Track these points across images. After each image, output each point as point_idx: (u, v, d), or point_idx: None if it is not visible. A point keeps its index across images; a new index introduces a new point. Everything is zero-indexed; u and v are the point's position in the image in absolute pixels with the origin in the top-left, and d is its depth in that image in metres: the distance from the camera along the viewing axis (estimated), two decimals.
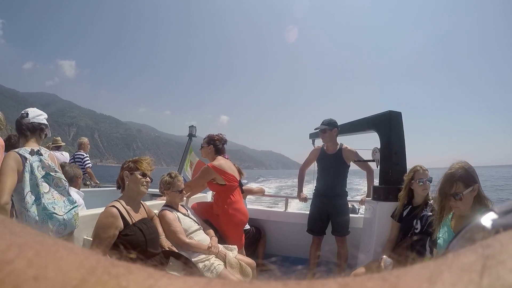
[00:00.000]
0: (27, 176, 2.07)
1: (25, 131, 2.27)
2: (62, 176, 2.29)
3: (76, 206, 2.28)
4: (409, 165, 3.07)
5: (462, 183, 1.86)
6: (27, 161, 2.10)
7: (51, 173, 2.20)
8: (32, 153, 2.16)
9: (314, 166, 3.74)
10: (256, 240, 3.89)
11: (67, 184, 2.30)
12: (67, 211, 2.18)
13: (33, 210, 2.04)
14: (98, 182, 5.89)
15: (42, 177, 2.13)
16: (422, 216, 2.68)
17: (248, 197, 4.37)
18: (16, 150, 2.13)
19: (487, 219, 0.28)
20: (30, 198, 2.05)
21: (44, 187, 2.13)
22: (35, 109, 2.36)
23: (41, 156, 2.19)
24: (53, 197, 2.15)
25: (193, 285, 0.20)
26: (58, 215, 2.10)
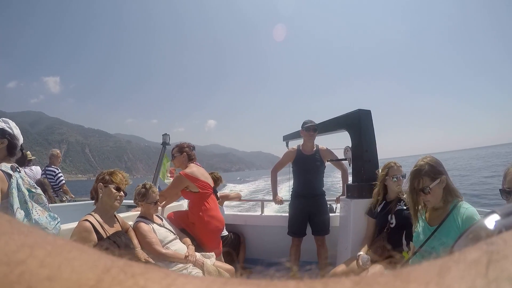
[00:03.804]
0: (14, 192, 1.98)
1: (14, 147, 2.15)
2: (42, 193, 2.21)
3: (59, 221, 2.22)
4: (383, 158, 3.16)
5: (428, 177, 1.94)
6: (13, 178, 2.01)
7: (32, 189, 2.13)
8: (13, 169, 2.06)
9: (289, 168, 3.76)
10: (235, 245, 3.86)
11: (46, 201, 2.23)
12: (52, 226, 2.12)
13: None
14: (74, 196, 5.74)
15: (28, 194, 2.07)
16: (396, 210, 2.74)
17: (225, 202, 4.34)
18: None
19: (490, 221, 0.30)
20: (20, 214, 1.97)
21: (30, 203, 2.07)
22: (11, 121, 2.21)
23: (20, 173, 2.10)
24: (37, 213, 2.08)
25: (211, 283, 0.20)
26: (48, 230, 2.05)
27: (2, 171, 2.00)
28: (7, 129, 2.12)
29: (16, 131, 2.17)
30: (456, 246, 0.31)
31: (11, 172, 2.03)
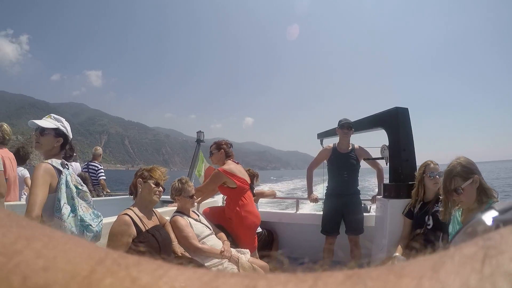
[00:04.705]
0: (63, 188, 2.07)
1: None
2: (87, 190, 2.29)
3: (102, 219, 2.29)
4: (419, 162, 3.06)
5: (460, 177, 1.90)
6: (62, 174, 2.10)
7: (78, 186, 2.21)
8: (63, 165, 2.16)
9: (324, 166, 3.75)
10: (268, 243, 3.89)
11: (91, 198, 2.31)
12: (96, 224, 2.20)
13: (69, 221, 2.02)
14: (109, 191, 5.97)
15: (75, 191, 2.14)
16: (434, 211, 2.66)
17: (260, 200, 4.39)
18: (49, 161, 2.10)
19: (488, 216, 0.30)
20: (66, 209, 2.04)
21: (77, 200, 2.15)
22: (63, 118, 2.29)
23: (68, 170, 2.19)
24: (82, 210, 2.15)
25: (203, 275, 0.20)
26: (92, 227, 2.12)
27: (54, 167, 2.09)
28: (62, 128, 2.21)
29: (69, 129, 2.27)
30: (453, 241, 0.31)
31: (61, 168, 2.13)
